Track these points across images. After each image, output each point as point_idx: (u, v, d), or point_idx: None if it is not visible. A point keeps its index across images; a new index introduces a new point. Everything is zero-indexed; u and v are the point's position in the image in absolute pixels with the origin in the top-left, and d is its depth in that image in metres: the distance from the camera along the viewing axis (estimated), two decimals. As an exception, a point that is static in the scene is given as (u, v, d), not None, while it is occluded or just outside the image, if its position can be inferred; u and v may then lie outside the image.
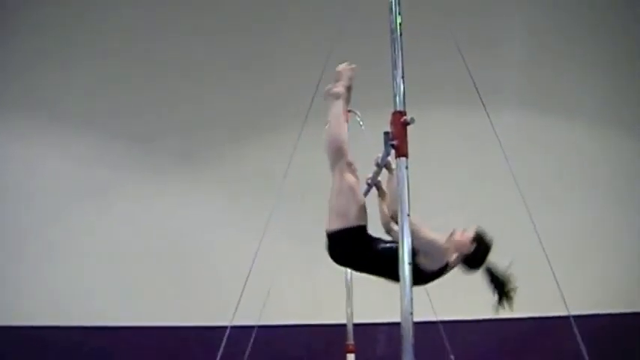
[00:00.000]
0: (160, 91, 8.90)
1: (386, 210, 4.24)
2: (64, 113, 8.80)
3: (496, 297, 3.88)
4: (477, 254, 3.82)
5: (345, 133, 3.95)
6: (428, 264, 3.59)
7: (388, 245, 3.80)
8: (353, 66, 4.14)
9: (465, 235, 3.79)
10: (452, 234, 3.80)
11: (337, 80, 4.09)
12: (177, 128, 8.85)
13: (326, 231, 3.83)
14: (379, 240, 3.88)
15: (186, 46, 9.01)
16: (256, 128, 8.87)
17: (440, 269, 3.72)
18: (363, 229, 3.81)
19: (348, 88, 4.11)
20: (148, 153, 8.86)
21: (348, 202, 3.80)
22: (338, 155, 3.88)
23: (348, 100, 4.11)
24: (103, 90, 8.86)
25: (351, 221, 3.76)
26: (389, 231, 4.29)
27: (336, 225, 3.77)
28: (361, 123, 6.12)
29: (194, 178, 8.81)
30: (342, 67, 4.14)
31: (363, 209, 3.85)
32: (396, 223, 3.94)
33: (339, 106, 3.97)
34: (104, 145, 8.80)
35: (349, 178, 3.86)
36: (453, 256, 3.76)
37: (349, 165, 3.93)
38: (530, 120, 9.15)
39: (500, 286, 3.88)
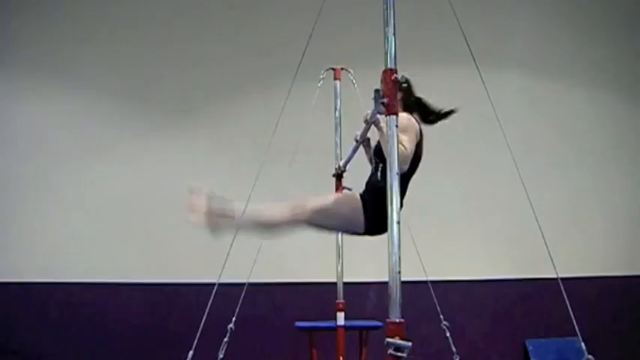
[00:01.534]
0: (149, 50, 8.80)
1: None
2: (52, 69, 8.70)
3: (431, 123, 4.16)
4: (406, 95, 4.10)
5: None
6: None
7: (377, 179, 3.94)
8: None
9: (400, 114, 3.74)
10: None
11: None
12: (166, 87, 8.78)
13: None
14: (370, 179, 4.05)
15: (175, 3, 8.92)
16: (246, 87, 8.79)
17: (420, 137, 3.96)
18: (361, 194, 3.92)
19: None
20: (138, 111, 8.78)
21: (342, 204, 3.92)
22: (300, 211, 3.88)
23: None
24: (92, 46, 8.75)
25: (356, 202, 3.86)
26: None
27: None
28: (354, 82, 6.08)
29: (183, 137, 8.75)
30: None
31: (351, 194, 4.05)
32: None
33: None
34: (93, 102, 8.72)
35: (323, 200, 3.94)
36: (410, 116, 3.99)
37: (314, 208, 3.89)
38: (526, 84, 9.13)
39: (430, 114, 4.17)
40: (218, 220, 3.75)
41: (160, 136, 8.72)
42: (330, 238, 6.02)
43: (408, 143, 3.75)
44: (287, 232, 3.88)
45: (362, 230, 3.88)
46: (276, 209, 3.83)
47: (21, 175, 8.47)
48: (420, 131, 4.04)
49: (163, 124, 8.76)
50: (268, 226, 3.80)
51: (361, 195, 3.95)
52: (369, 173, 4.34)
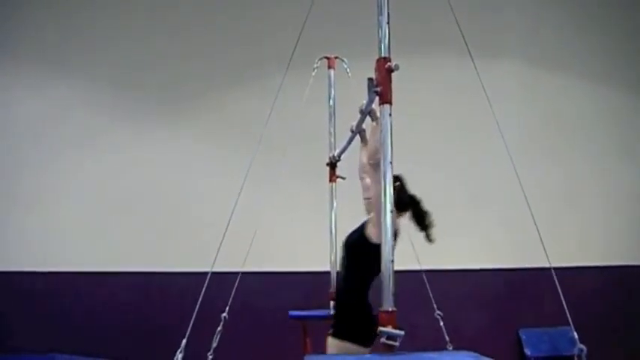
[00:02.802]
0: (142, 39, 8.77)
1: (364, 158, 4.22)
2: (46, 57, 8.67)
3: (422, 229, 4.11)
4: (399, 195, 3.81)
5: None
6: (376, 235, 3.54)
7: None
8: None
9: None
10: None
11: None
12: (159, 75, 8.75)
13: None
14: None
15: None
16: (240, 76, 8.78)
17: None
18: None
19: None
20: (132, 100, 8.75)
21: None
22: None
23: None
24: (87, 36, 8.72)
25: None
26: (362, 179, 4.35)
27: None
28: (348, 71, 6.06)
29: (177, 125, 8.74)
30: None
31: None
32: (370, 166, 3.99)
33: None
34: (86, 91, 8.70)
35: None
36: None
37: None
38: (522, 74, 9.14)
39: (424, 217, 4.11)
40: None
41: (154, 126, 8.70)
42: (323, 228, 6.01)
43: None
44: None
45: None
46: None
47: (14, 164, 8.45)
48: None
49: (157, 113, 8.74)
50: None
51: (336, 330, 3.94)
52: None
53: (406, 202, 4.03)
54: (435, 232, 4.11)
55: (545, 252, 3.56)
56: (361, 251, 3.77)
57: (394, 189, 3.64)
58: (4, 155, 8.45)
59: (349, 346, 3.73)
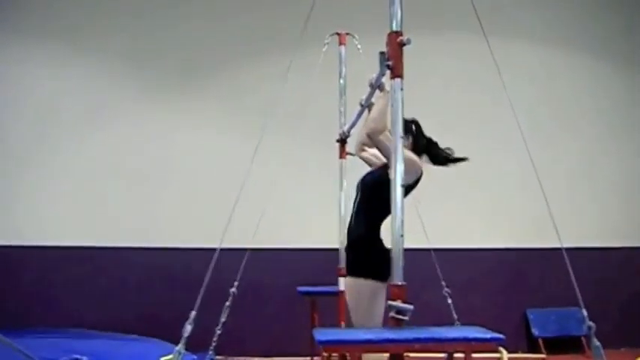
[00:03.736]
0: (156, 13, 8.75)
1: (366, 130, 4.21)
2: (60, 34, 8.67)
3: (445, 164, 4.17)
4: (416, 137, 4.06)
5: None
6: (407, 178, 3.48)
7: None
8: None
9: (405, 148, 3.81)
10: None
11: None
12: (172, 50, 8.74)
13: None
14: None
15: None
16: (252, 51, 8.76)
17: (417, 179, 3.86)
18: None
19: None
20: (143, 74, 8.77)
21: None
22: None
23: None
24: (97, 8, 8.69)
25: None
26: (359, 152, 4.43)
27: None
28: (359, 46, 6.02)
29: (189, 99, 8.75)
30: None
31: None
32: (368, 146, 4.12)
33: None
34: (94, 65, 8.71)
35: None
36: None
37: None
38: (533, 53, 9.09)
39: (442, 156, 4.14)
40: None
41: (166, 101, 8.73)
42: (333, 204, 6.01)
43: (412, 165, 3.68)
44: None
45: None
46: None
47: (28, 139, 8.47)
48: (420, 173, 3.93)
49: (168, 88, 8.77)
50: None
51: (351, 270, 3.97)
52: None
53: (423, 144, 4.10)
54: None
55: (557, 232, 3.55)
56: (377, 189, 3.74)
57: (411, 133, 3.93)
58: (18, 130, 8.47)
59: (367, 282, 3.72)
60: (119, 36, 8.69)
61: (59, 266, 8.20)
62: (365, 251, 3.86)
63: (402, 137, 3.03)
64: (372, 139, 3.63)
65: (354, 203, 4.13)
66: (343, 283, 5.87)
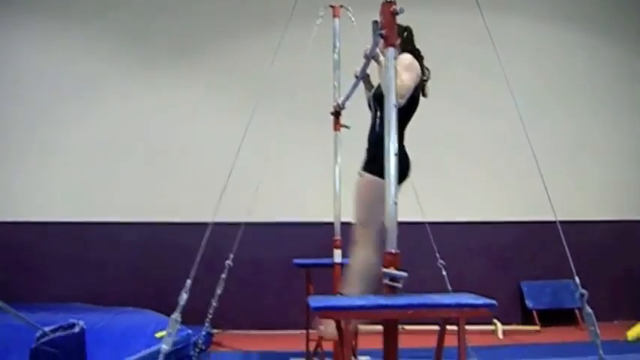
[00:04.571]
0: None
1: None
2: (50, 8, 8.63)
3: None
4: (405, 44, 4.15)
5: None
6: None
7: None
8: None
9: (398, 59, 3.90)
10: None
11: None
12: (165, 24, 8.71)
13: None
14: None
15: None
16: (245, 25, 8.72)
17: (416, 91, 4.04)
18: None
19: None
20: (136, 49, 8.75)
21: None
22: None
23: None
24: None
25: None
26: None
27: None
28: (353, 19, 5.99)
29: (182, 74, 8.73)
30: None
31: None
32: None
33: None
34: (90, 40, 8.67)
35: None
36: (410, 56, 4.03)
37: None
38: (528, 28, 9.09)
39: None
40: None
41: (158, 75, 8.71)
42: (328, 178, 6.01)
43: (408, 79, 3.84)
44: None
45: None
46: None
47: (17, 114, 8.46)
48: (423, 72, 4.09)
49: (161, 62, 8.75)
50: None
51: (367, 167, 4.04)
52: (367, 110, 4.35)
53: (408, 51, 4.16)
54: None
55: (552, 205, 3.57)
56: None
57: (402, 38, 4.00)
58: (10, 106, 8.45)
59: (380, 180, 3.74)
60: (111, 12, 8.65)
61: (52, 241, 8.24)
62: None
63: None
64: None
65: (375, 118, 4.21)
66: (339, 254, 5.92)
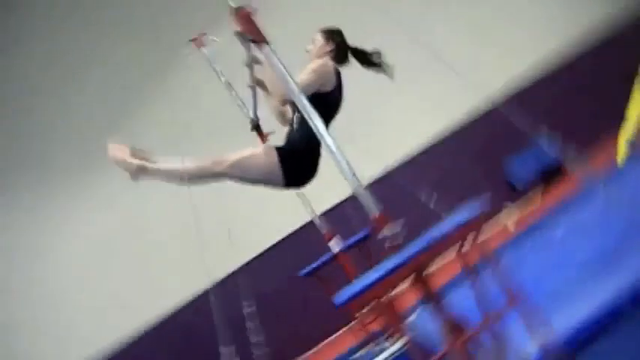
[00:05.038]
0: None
1: (274, 101, 4.24)
2: None
3: (374, 68, 4.14)
4: (335, 43, 4.13)
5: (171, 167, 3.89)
6: (324, 86, 3.86)
7: (292, 128, 4.00)
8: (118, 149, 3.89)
9: (314, 40, 4.14)
10: (308, 52, 4.15)
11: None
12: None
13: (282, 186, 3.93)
14: (287, 137, 4.03)
15: None
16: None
17: (337, 81, 3.97)
18: (279, 149, 3.87)
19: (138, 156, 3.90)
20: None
21: (252, 164, 3.84)
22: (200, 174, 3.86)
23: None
24: None
25: (272, 162, 3.82)
26: (284, 117, 4.39)
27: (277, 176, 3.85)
28: (215, 39, 5.98)
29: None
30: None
31: (258, 152, 3.88)
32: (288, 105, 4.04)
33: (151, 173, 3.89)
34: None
35: (221, 161, 3.84)
36: (329, 63, 3.98)
37: (214, 162, 3.86)
38: None
39: (369, 57, 4.15)
40: (138, 172, 3.83)
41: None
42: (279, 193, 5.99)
43: (305, 79, 3.76)
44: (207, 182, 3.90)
45: (281, 183, 3.89)
46: (194, 165, 3.82)
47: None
48: (338, 76, 4.04)
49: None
50: (186, 179, 3.84)
51: (279, 148, 3.94)
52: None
53: (346, 53, 4.19)
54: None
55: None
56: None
57: (335, 42, 4.10)
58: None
59: (274, 158, 3.83)
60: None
61: None
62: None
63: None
64: (288, 103, 3.77)
65: (292, 118, 4.15)
66: (336, 243, 5.94)
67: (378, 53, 4.12)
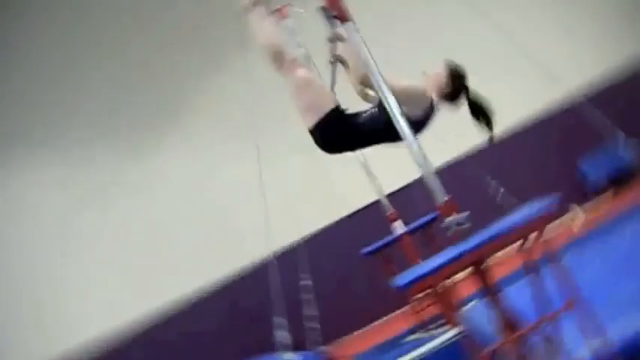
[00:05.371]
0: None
1: (354, 79, 4.20)
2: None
3: (482, 123, 3.75)
4: (454, 86, 3.75)
5: (274, 35, 3.78)
6: (412, 110, 3.51)
7: (368, 112, 3.79)
8: None
9: (436, 73, 3.75)
10: (423, 73, 3.77)
11: None
12: (141, 98, 8.76)
13: (308, 130, 3.79)
14: (359, 113, 3.84)
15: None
16: (218, 66, 8.78)
17: (426, 112, 3.69)
18: (336, 111, 3.75)
19: None
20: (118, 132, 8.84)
21: (309, 94, 3.73)
22: (278, 59, 3.76)
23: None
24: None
25: (322, 110, 3.69)
26: (365, 98, 4.22)
27: (312, 120, 3.71)
28: (302, 10, 5.99)
29: (175, 136, 8.83)
30: None
31: (326, 93, 3.81)
32: (368, 87, 3.96)
33: (255, 15, 3.83)
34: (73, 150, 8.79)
35: (299, 71, 3.75)
36: (434, 97, 3.72)
37: (294, 61, 3.80)
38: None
39: (484, 111, 3.76)
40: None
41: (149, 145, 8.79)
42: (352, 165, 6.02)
43: (397, 84, 3.40)
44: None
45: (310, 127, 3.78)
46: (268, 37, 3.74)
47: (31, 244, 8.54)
48: (432, 107, 3.75)
49: (150, 131, 8.83)
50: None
51: (340, 111, 3.81)
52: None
53: (459, 96, 3.81)
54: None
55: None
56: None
57: (455, 88, 3.72)
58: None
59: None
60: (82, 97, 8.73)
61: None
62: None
63: None
64: (365, 82, 3.71)
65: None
66: (400, 225, 5.95)
67: (492, 111, 3.76)
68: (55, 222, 8.53)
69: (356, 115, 3.83)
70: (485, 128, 3.71)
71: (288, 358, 3.67)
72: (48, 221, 8.50)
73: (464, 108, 3.70)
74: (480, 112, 3.74)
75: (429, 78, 3.75)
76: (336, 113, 3.73)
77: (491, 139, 3.70)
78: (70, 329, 8.13)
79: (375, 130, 3.66)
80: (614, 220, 6.22)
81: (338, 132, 3.75)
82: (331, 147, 3.85)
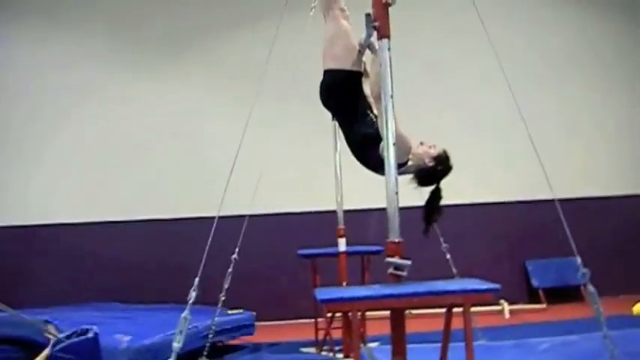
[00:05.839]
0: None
1: (368, 91, 4.20)
2: (43, 10, 8.66)
3: (427, 214, 3.66)
4: (434, 172, 3.65)
5: None
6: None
7: (373, 115, 3.80)
8: None
9: (430, 149, 3.63)
10: (420, 143, 3.67)
11: None
12: (157, 25, 8.80)
13: (324, 69, 3.83)
14: (369, 104, 3.86)
15: None
16: (238, 17, 8.81)
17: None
18: (358, 75, 3.81)
19: None
20: (128, 45, 8.81)
21: (345, 46, 3.76)
22: (330, 2, 3.83)
23: None
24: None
25: (349, 64, 3.74)
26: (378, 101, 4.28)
27: (334, 65, 3.76)
28: (345, 8, 6.00)
29: (180, 69, 8.77)
30: None
31: (359, 56, 3.80)
32: (379, 104, 3.97)
33: None
34: (84, 42, 8.71)
35: (343, 22, 3.81)
36: (411, 162, 3.64)
37: (342, 11, 3.86)
38: (520, 6, 9.06)
39: (437, 208, 3.69)
40: None
41: (155, 70, 8.74)
42: (328, 167, 6.04)
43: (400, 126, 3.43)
44: None
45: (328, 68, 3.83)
46: None
47: (13, 118, 8.49)
48: (401, 166, 3.54)
49: (156, 58, 8.77)
50: None
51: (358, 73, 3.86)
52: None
53: (430, 183, 3.69)
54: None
55: (549, 184, 3.59)
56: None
57: (434, 168, 3.60)
58: (8, 110, 8.47)
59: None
60: (100, 7, 8.70)
61: (58, 244, 8.28)
62: None
63: None
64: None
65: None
66: (343, 243, 5.96)
67: (441, 213, 3.68)
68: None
69: (366, 100, 3.86)
70: (426, 219, 3.63)
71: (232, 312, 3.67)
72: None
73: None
74: (433, 207, 3.67)
75: (420, 147, 3.65)
76: (357, 77, 3.80)
77: (426, 230, 3.61)
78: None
79: (364, 127, 3.70)
80: (544, 324, 6.38)
81: (345, 89, 3.80)
82: (328, 95, 3.88)
